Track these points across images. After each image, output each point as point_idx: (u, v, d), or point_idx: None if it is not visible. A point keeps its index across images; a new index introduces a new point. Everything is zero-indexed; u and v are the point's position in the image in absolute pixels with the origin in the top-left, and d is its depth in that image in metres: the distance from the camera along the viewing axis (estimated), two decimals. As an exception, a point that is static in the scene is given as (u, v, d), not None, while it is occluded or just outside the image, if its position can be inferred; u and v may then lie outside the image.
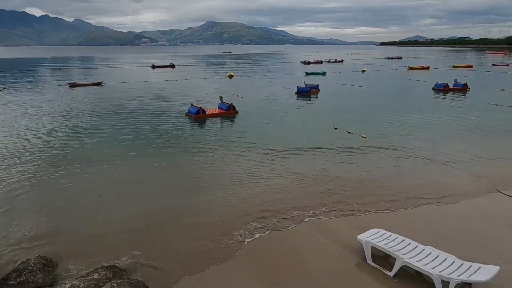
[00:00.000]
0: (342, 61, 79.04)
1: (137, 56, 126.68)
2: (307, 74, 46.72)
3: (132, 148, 13.70)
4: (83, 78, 43.12)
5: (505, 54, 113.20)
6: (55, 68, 65.68)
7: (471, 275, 5.38)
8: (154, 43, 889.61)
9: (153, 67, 62.41)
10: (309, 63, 72.19)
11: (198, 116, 19.13)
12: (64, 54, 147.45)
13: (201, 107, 19.47)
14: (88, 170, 11.30)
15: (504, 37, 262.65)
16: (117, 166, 11.81)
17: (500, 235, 7.41)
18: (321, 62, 74.01)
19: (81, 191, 9.78)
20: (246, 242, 7.25)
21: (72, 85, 34.35)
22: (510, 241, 7.14)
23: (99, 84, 35.50)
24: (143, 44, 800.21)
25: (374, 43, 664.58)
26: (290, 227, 7.82)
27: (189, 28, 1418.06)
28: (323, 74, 47.75)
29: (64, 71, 56.26)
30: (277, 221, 8.06)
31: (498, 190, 9.68)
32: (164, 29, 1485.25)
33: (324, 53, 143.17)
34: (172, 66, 64.50)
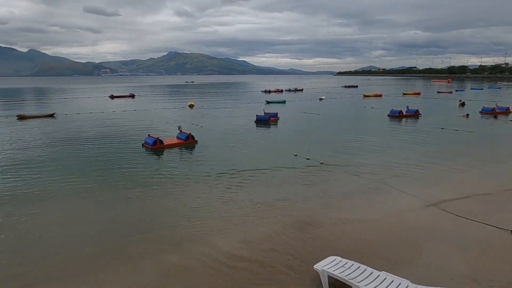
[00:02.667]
0: (302, 90, 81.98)
1: (95, 86, 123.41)
2: (268, 102, 47.72)
3: (82, 183, 12.82)
4: (34, 109, 40.90)
5: (448, 82, 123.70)
6: (4, 99, 61.94)
7: (424, 299, 5.36)
8: (115, 74, 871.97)
9: (112, 97, 60.82)
10: (270, 92, 74.06)
11: (155, 147, 18.57)
12: (15, 86, 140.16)
13: (158, 138, 18.96)
14: (31, 209, 10.33)
15: (446, 67, 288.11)
16: (63, 203, 10.94)
17: (448, 253, 7.56)
18: (281, 91, 76.24)
19: (20, 233, 8.84)
20: None
21: (21, 117, 32.31)
22: (458, 260, 7.29)
23: (51, 115, 33.75)
24: (103, 75, 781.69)
25: (331, 73, 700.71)
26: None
27: (151, 58, 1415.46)
28: (283, 102, 49.06)
29: (14, 103, 53.17)
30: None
31: (440, 208, 10.04)
32: (125, 60, 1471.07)
33: (284, 82, 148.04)
34: (132, 96, 63.29)
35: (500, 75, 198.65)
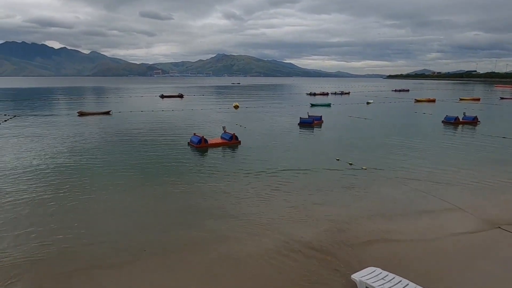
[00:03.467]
0: (348, 93, 79.69)
1: (148, 86, 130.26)
2: (312, 105, 47.08)
3: (130, 178, 13.59)
4: (93, 107, 44.15)
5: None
6: (68, 97, 67.66)
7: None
8: (166, 74, 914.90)
9: (162, 97, 63.74)
10: (315, 94, 72.93)
11: (200, 145, 19.12)
12: (78, 84, 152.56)
13: (203, 137, 19.51)
14: (86, 199, 11.15)
15: (511, 71, 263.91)
16: (114, 194, 11.67)
17: (502, 276, 6.88)
18: (327, 94, 74.73)
19: (68, 221, 9.56)
20: None
21: (82, 114, 35.07)
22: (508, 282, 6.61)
23: (107, 113, 36.20)
24: (155, 75, 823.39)
25: (381, 76, 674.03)
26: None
27: (200, 60, 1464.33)
28: (328, 105, 48.06)
29: (76, 100, 57.87)
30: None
31: (500, 227, 9.16)
32: (176, 61, 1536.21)
33: (331, 85, 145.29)
34: (181, 96, 65.78)
35: None
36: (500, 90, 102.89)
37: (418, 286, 5.85)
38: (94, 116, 34.36)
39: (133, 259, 7.65)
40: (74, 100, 59.98)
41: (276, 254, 7.78)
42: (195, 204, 10.90)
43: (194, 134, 20.50)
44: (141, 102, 52.84)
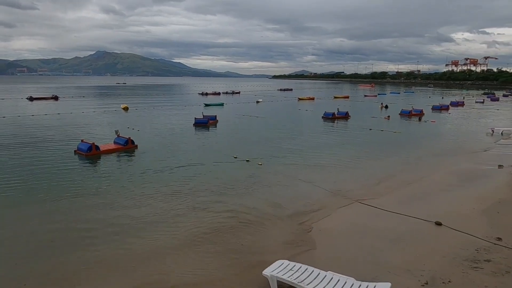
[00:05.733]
0: (239, 93, 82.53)
1: (10, 86, 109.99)
2: (206, 105, 47.18)
3: (3, 198, 11.24)
4: None
5: (372, 87, 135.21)
6: None
7: (368, 295, 5.66)
8: (34, 73, 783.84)
9: (31, 99, 54.60)
10: (207, 94, 73.24)
11: (91, 153, 17.08)
12: None
13: (93, 143, 17.44)
14: None
15: (369, 73, 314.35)
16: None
17: (382, 248, 8.12)
18: (219, 94, 75.90)
19: None
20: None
21: None
22: (390, 253, 7.88)
23: (-47, 120, 29.13)
24: (18, 74, 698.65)
25: (267, 76, 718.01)
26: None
27: (76, 57, 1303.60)
28: (221, 105, 48.94)
29: None
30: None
31: (381, 208, 10.82)
32: (46, 58, 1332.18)
33: (221, 84, 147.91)
34: (55, 97, 57.64)
35: (413, 81, 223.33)
36: (362, 89, 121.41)
37: (322, 271, 6.40)
38: None
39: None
40: None
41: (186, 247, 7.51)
42: (94, 219, 9.68)
43: (82, 141, 18.10)
44: (2, 106, 44.21)
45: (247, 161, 16.33)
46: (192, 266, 7.40)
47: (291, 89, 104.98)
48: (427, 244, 8.31)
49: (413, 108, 39.12)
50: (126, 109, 40.41)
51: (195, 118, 29.02)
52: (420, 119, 34.23)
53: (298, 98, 63.51)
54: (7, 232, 9.01)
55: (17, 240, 8.63)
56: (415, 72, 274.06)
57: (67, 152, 17.91)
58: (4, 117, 32.19)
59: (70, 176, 13.89)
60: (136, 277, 6.98)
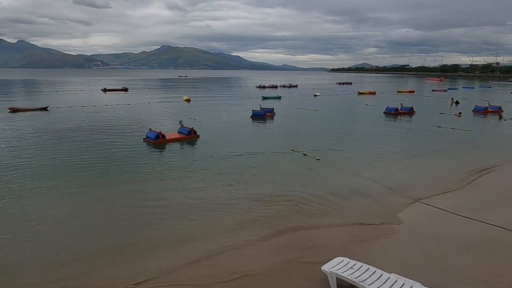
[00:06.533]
0: (296, 86, 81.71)
1: (87, 79, 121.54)
2: (264, 98, 47.50)
3: (82, 178, 12.49)
4: (26, 102, 40.05)
5: (441, 81, 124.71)
6: (-7, 91, 60.58)
7: (437, 302, 5.28)
8: (106, 66, 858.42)
9: (104, 90, 59.87)
10: (264, 87, 73.66)
11: (158, 141, 18.25)
12: (4, 77, 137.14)
13: (160, 132, 18.66)
14: (31, 202, 10.03)
15: (438, 66, 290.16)
16: (60, 199, 10.65)
17: (451, 254, 7.51)
18: (276, 87, 75.89)
19: (16, 225, 8.55)
20: None
21: (14, 110, 31.56)
22: (461, 260, 7.25)
23: (44, 109, 32.98)
24: (94, 67, 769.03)
25: (325, 69, 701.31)
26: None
27: (143, 52, 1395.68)
28: (279, 98, 48.91)
29: (4, 95, 51.99)
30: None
31: (448, 211, 10.01)
32: (117, 53, 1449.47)
33: (279, 78, 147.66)
34: (125, 89, 62.36)
35: (491, 74, 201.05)
36: (430, 82, 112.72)
37: (385, 272, 6.12)
38: (29, 112, 31.11)
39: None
40: (1, 94, 53.81)
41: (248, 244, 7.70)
42: (162, 199, 10.37)
43: (150, 129, 19.49)
44: (80, 97, 48.98)
45: (304, 154, 16.16)
46: (249, 258, 7.55)
47: (351, 83, 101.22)
48: (503, 253, 7.52)
49: (489, 105, 35.29)
50: (188, 100, 42.32)
51: (252, 111, 29.40)
52: (501, 117, 30.46)
53: (358, 92, 60.99)
54: (85, 210, 10.00)
55: (93, 217, 9.55)
56: (494, 65, 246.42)
57: (137, 139, 19.33)
58: (83, 106, 35.72)
59: (140, 161, 15.04)
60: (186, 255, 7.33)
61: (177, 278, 6.70)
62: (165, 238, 8.35)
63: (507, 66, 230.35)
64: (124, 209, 10.04)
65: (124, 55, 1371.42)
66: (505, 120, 29.40)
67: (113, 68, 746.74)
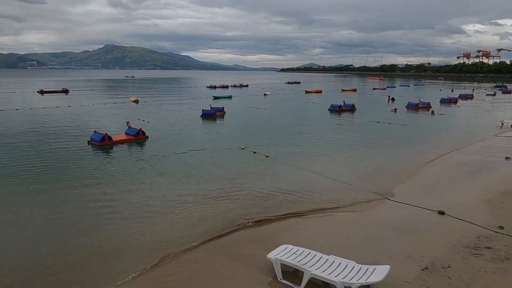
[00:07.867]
0: (247, 86, 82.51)
1: (20, 80, 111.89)
2: (215, 98, 47.48)
3: (19, 186, 11.68)
4: None
5: (381, 80, 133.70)
6: None
7: (368, 277, 5.89)
8: (44, 67, 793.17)
9: (42, 92, 55.49)
10: (215, 87, 73.39)
11: (104, 143, 17.55)
12: None
13: (106, 134, 17.94)
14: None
15: (379, 65, 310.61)
16: (-9, 209, 9.90)
17: (387, 237, 8.33)
18: (227, 87, 75.97)
19: None
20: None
21: None
22: (393, 241, 8.08)
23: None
24: (29, 67, 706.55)
25: (275, 69, 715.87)
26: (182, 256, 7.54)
27: (85, 51, 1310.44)
28: (230, 97, 49.23)
29: None
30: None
31: (387, 198, 10.99)
32: (56, 52, 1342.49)
33: (230, 78, 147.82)
34: (66, 91, 58.44)
35: (424, 73, 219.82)
36: (371, 82, 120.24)
37: (324, 255, 6.65)
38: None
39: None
40: None
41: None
42: (108, 210, 10.07)
43: (95, 131, 18.63)
44: (14, 99, 45.04)
45: (254, 152, 16.57)
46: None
47: (299, 82, 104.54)
48: (429, 232, 8.49)
49: (420, 101, 38.86)
50: (136, 101, 40.95)
51: (202, 110, 29.37)
52: (433, 113, 33.28)
53: (306, 91, 63.36)
54: (23, 217, 9.44)
55: (33, 224, 9.05)
56: (426, 65, 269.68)
57: (80, 143, 18.41)
58: (17, 109, 32.96)
59: (85, 165, 14.42)
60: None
61: (127, 283, 6.66)
62: (113, 242, 8.19)
63: (437, 66, 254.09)
64: (67, 215, 9.61)
65: (64, 54, 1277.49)
66: (434, 115, 32.52)
67: (52, 68, 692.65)
